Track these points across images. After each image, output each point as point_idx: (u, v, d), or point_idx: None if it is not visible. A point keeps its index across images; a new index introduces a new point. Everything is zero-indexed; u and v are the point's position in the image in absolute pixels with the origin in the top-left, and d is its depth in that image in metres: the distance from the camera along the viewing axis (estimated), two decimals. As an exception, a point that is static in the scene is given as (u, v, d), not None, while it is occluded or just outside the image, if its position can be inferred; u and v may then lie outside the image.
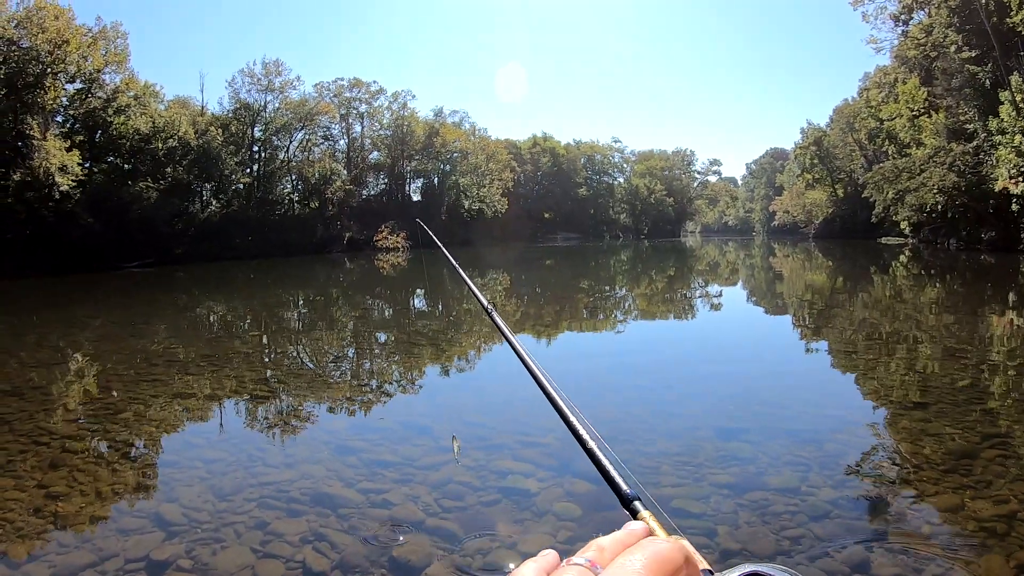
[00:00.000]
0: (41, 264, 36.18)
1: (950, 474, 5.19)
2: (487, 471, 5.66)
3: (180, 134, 51.52)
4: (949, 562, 3.89)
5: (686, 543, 0.61)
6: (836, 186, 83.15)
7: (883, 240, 59.66)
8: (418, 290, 25.43)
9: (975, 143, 41.23)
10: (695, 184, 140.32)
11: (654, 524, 0.65)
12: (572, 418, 1.00)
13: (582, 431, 0.93)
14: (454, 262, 3.05)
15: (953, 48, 42.16)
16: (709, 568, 0.59)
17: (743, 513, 4.67)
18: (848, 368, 10.22)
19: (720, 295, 22.44)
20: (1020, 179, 35.47)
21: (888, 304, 18.11)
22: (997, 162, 37.90)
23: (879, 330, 13.32)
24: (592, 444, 0.88)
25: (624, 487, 0.73)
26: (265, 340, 14.19)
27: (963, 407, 7.10)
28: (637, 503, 0.71)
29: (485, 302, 1.81)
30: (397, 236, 65.55)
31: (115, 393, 8.96)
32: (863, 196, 59.39)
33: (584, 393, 8.44)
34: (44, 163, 37.41)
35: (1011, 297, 18.91)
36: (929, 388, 8.13)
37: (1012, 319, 14.20)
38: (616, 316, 17.35)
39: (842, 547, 4.12)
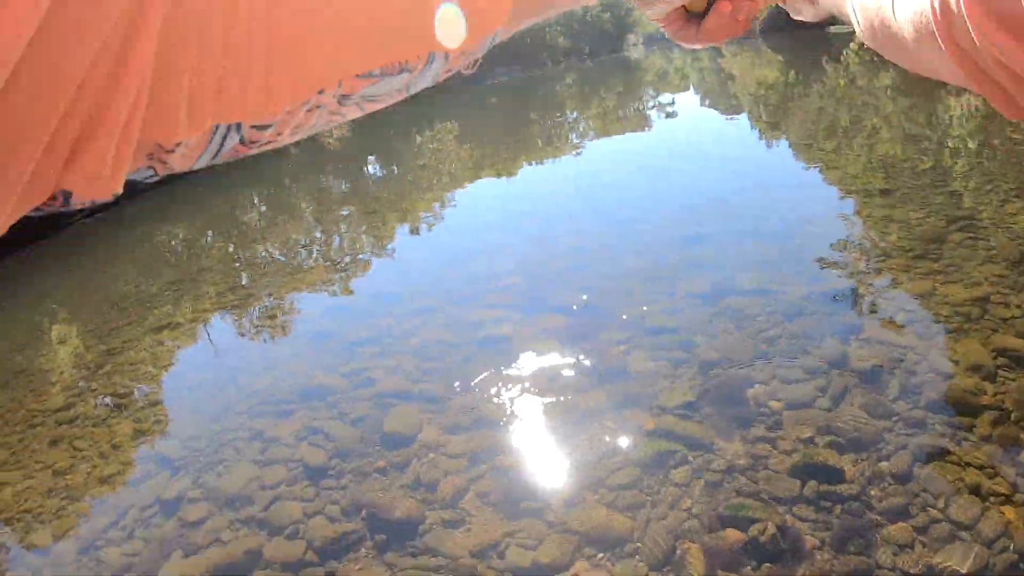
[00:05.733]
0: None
1: (920, 260, 5.18)
2: (461, 324, 5.61)
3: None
4: (925, 349, 3.94)
5: None
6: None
7: (832, 29, 58.32)
8: (369, 156, 24.79)
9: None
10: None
11: None
12: None
13: None
14: None
15: None
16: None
17: (718, 321, 4.68)
18: (809, 161, 10.13)
19: (673, 103, 21.97)
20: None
21: (843, 93, 17.87)
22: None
23: (837, 120, 13.18)
24: None
25: None
26: (231, 249, 13.84)
27: (927, 191, 7.05)
28: None
29: None
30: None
31: (90, 352, 8.71)
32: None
33: (549, 219, 8.57)
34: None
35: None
36: (892, 174, 8.07)
37: (969, 98, 14.07)
38: (572, 139, 17.04)
39: (820, 343, 4.16)
